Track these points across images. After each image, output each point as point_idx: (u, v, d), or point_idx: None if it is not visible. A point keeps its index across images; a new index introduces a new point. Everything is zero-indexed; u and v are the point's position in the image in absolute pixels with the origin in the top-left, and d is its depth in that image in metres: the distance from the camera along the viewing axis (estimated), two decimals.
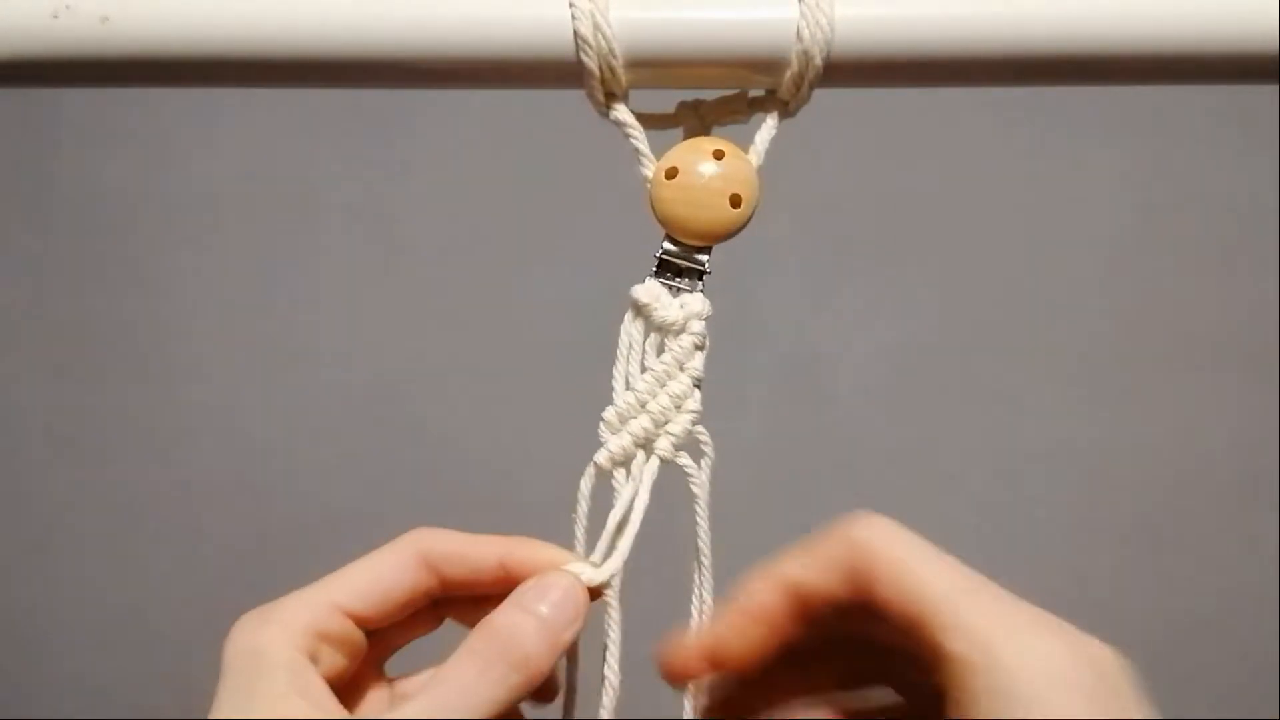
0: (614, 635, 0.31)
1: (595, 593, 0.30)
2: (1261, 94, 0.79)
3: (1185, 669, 0.91)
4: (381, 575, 0.30)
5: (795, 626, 0.30)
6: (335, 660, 0.29)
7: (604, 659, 0.32)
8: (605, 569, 0.30)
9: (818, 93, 0.30)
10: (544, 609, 0.28)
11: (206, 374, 0.92)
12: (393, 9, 0.29)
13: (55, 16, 0.29)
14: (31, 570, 0.95)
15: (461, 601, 0.32)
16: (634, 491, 0.31)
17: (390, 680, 0.33)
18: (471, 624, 0.30)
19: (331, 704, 0.28)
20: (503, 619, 0.28)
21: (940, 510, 0.91)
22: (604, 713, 0.31)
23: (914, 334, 0.90)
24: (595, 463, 0.31)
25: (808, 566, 0.29)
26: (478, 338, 0.91)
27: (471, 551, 0.31)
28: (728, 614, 0.31)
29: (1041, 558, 0.91)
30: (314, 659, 0.28)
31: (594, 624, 0.31)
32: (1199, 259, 0.88)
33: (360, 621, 0.30)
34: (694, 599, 0.32)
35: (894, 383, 0.90)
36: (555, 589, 0.29)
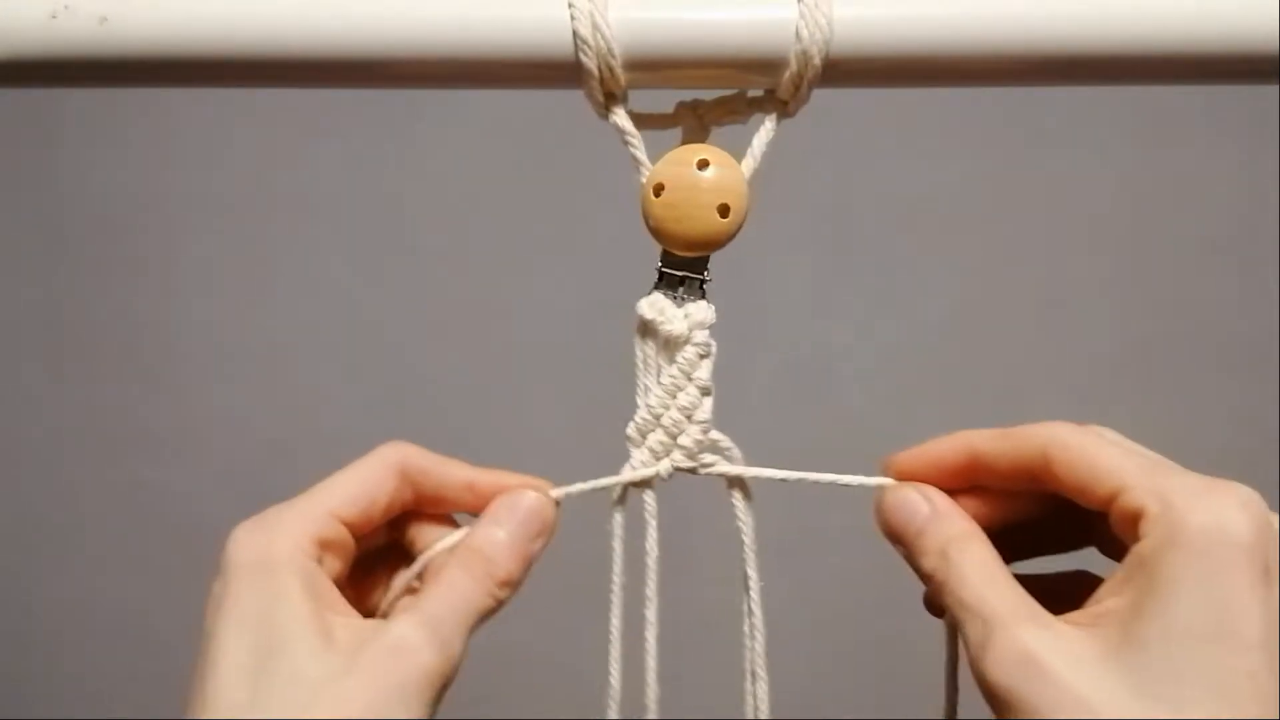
0: (650, 638, 0.33)
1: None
2: (1261, 94, 0.79)
3: None
4: (367, 483, 0.32)
5: (962, 481, 0.31)
6: (334, 566, 0.31)
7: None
8: (569, 489, 0.32)
9: (819, 93, 0.30)
10: (512, 524, 0.31)
11: (208, 374, 0.92)
12: (392, 9, 0.29)
13: (53, 17, 0.29)
14: (31, 570, 0.95)
15: (421, 518, 0.34)
16: (654, 512, 0.33)
17: (357, 587, 0.34)
18: (421, 544, 0.32)
19: (346, 608, 0.30)
20: (480, 536, 0.31)
21: None
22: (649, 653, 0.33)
23: (916, 334, 0.90)
24: (627, 482, 0.32)
25: (993, 440, 0.31)
26: (480, 339, 0.91)
27: (442, 469, 0.33)
28: (905, 455, 0.32)
29: (1042, 557, 0.91)
30: (319, 564, 0.30)
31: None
32: (1199, 259, 0.88)
33: (350, 528, 0.31)
34: (745, 616, 0.33)
35: (897, 383, 0.90)
36: (521, 505, 0.32)
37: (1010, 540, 0.31)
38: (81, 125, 0.90)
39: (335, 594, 0.30)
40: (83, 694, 0.96)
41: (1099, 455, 0.28)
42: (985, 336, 0.90)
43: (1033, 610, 0.27)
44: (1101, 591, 0.27)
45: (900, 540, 0.31)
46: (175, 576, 0.95)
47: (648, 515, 0.33)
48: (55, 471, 0.94)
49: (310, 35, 0.29)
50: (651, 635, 0.33)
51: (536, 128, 0.84)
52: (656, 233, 0.31)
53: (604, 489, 0.33)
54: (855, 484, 0.33)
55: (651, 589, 0.33)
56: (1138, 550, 0.26)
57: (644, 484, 0.33)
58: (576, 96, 0.30)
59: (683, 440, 0.32)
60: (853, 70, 0.29)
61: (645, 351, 0.32)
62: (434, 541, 0.32)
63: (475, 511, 0.32)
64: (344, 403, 0.92)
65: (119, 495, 0.94)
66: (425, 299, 0.91)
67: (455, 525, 0.33)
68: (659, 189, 0.30)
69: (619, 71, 0.29)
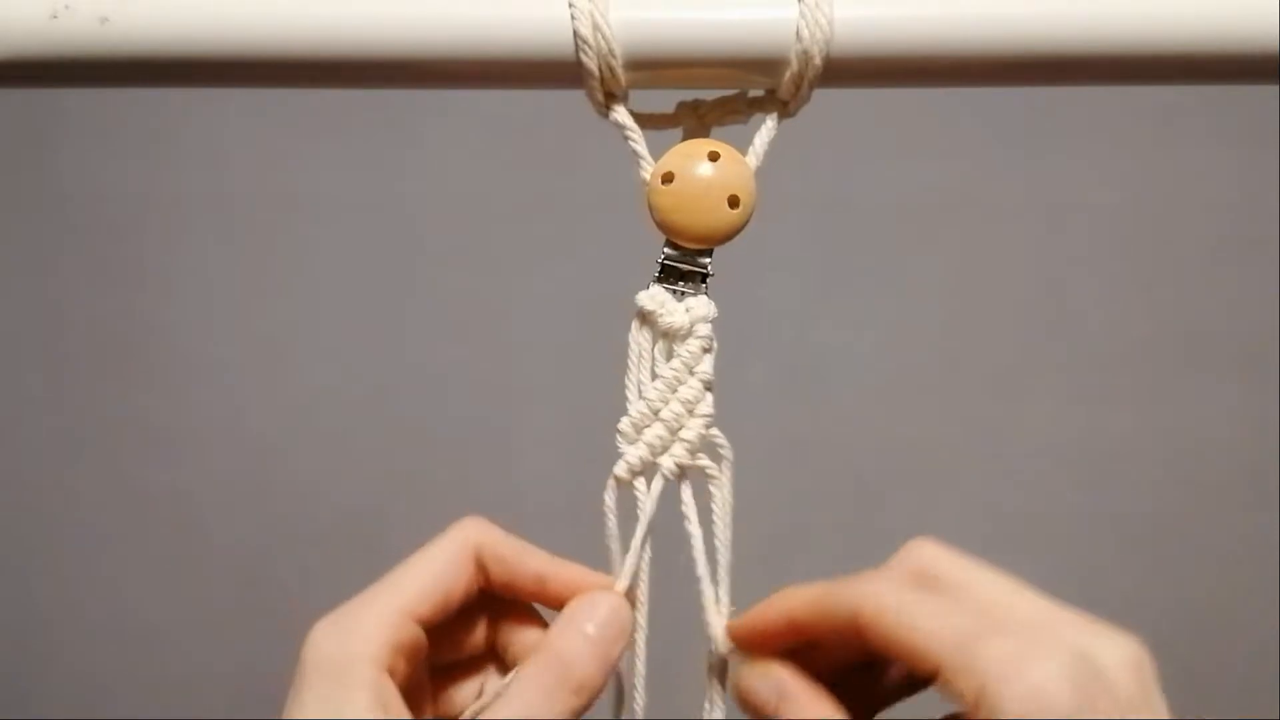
0: (639, 642, 0.32)
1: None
2: (1261, 94, 0.79)
3: (1185, 668, 0.91)
4: (444, 575, 0.30)
5: (799, 644, 0.30)
6: (407, 671, 0.30)
7: (632, 666, 0.32)
8: (621, 583, 0.31)
9: (819, 92, 0.30)
10: (592, 629, 0.30)
11: (208, 374, 0.92)
12: (392, 9, 0.29)
13: (54, 17, 0.29)
14: (31, 570, 0.95)
15: (504, 605, 0.33)
16: (653, 505, 0.31)
17: (434, 683, 0.33)
18: (504, 639, 0.32)
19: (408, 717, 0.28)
20: (560, 642, 0.29)
21: (942, 509, 0.91)
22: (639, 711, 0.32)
23: (915, 334, 0.90)
24: (615, 475, 0.31)
25: (811, 609, 0.29)
26: (479, 338, 0.91)
27: (517, 559, 0.31)
28: (738, 626, 0.31)
29: (1042, 556, 0.91)
30: (393, 673, 0.29)
31: None
32: (1199, 259, 0.88)
33: (425, 622, 0.30)
34: (710, 602, 0.32)
35: (895, 382, 0.90)
36: (602, 607, 0.30)
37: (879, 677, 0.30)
38: (81, 125, 0.90)
39: (400, 706, 0.28)
40: (82, 694, 0.96)
41: (911, 630, 0.26)
42: (984, 336, 0.90)
43: None
44: None
45: None
46: (174, 576, 0.95)
47: (640, 513, 0.32)
48: (55, 471, 0.94)
49: (310, 36, 0.29)
50: (641, 639, 0.32)
51: (537, 127, 0.84)
52: (663, 224, 0.30)
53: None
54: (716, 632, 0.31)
55: (644, 592, 0.32)
56: None
57: (633, 477, 0.31)
58: (578, 96, 0.30)
59: (685, 434, 0.31)
60: (853, 70, 0.29)
61: (640, 344, 0.31)
62: (522, 642, 0.32)
63: (544, 604, 0.32)
64: (344, 403, 0.92)
65: (119, 495, 0.93)
66: (425, 299, 0.91)
67: (540, 619, 0.33)
68: (668, 178, 0.30)
69: (619, 71, 0.29)
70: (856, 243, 0.89)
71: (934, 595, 0.27)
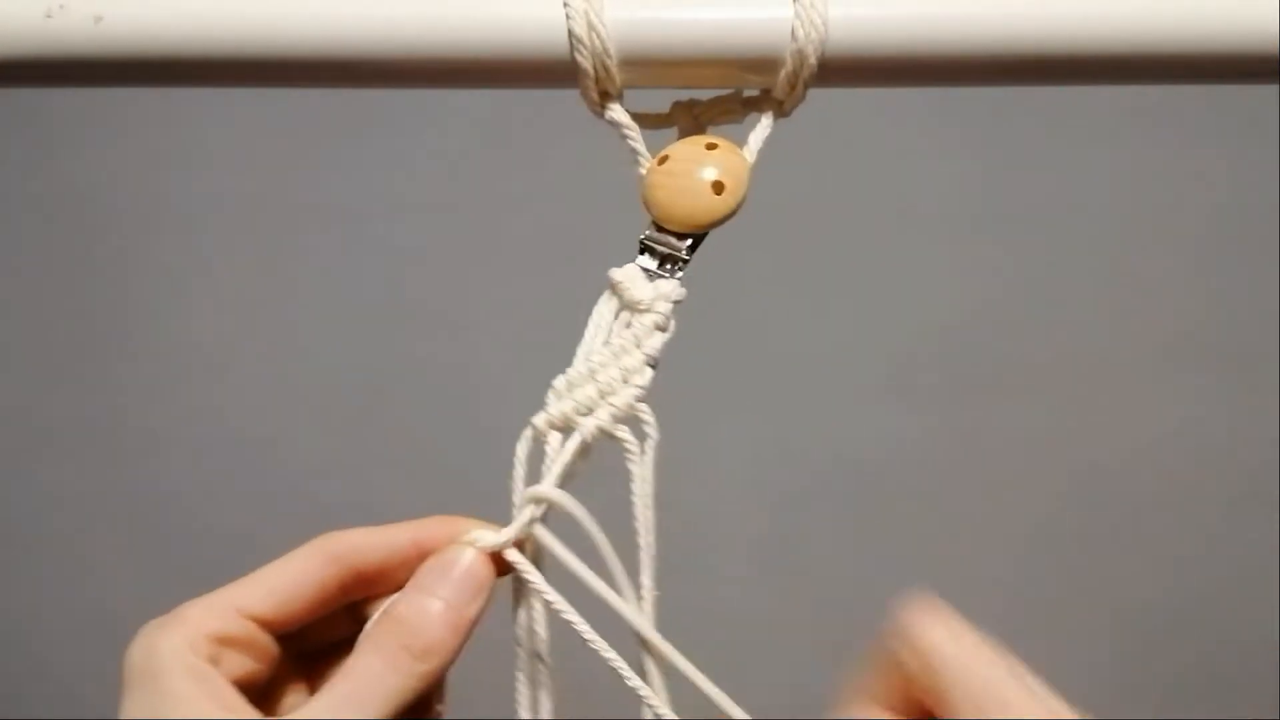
0: (537, 608, 0.30)
1: (503, 565, 0.30)
2: (1261, 94, 0.79)
3: (1185, 668, 0.91)
4: (285, 578, 0.30)
5: None
6: (243, 664, 0.29)
7: (524, 636, 0.30)
8: (507, 531, 0.29)
9: (816, 92, 0.30)
10: (444, 590, 0.28)
11: (205, 374, 0.92)
12: (386, 9, 0.29)
13: (48, 16, 0.29)
14: (31, 570, 0.95)
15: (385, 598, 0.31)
16: (566, 459, 0.30)
17: (315, 682, 0.32)
18: None
19: (238, 703, 0.27)
20: (404, 605, 0.28)
21: (941, 510, 0.91)
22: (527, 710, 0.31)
23: (913, 334, 0.90)
24: (532, 424, 0.30)
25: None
26: (476, 338, 0.91)
27: (381, 540, 0.30)
28: None
29: (1041, 556, 0.91)
30: (214, 662, 0.28)
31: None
32: (1198, 259, 0.88)
33: (266, 625, 0.29)
34: (639, 584, 0.31)
35: (893, 383, 0.90)
36: (455, 566, 0.29)
37: None
38: (81, 125, 0.90)
39: (229, 692, 0.28)
40: (80, 694, 0.96)
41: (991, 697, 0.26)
42: (981, 336, 0.89)
43: None
44: None
45: None
46: (173, 577, 0.95)
47: (546, 470, 0.30)
48: (49, 471, 0.94)
49: (303, 35, 0.29)
50: (539, 604, 0.30)
51: (533, 128, 0.84)
52: (647, 201, 0.30)
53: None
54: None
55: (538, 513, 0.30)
56: None
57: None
58: (573, 96, 0.30)
59: (614, 399, 0.30)
60: (848, 70, 0.29)
61: (603, 314, 0.31)
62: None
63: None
64: (341, 403, 0.92)
65: (114, 495, 0.94)
66: (425, 299, 0.91)
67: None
68: (663, 159, 0.30)
69: (614, 71, 0.29)
70: (852, 242, 0.89)
71: (1016, 681, 0.27)
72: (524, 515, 0.30)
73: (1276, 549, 0.90)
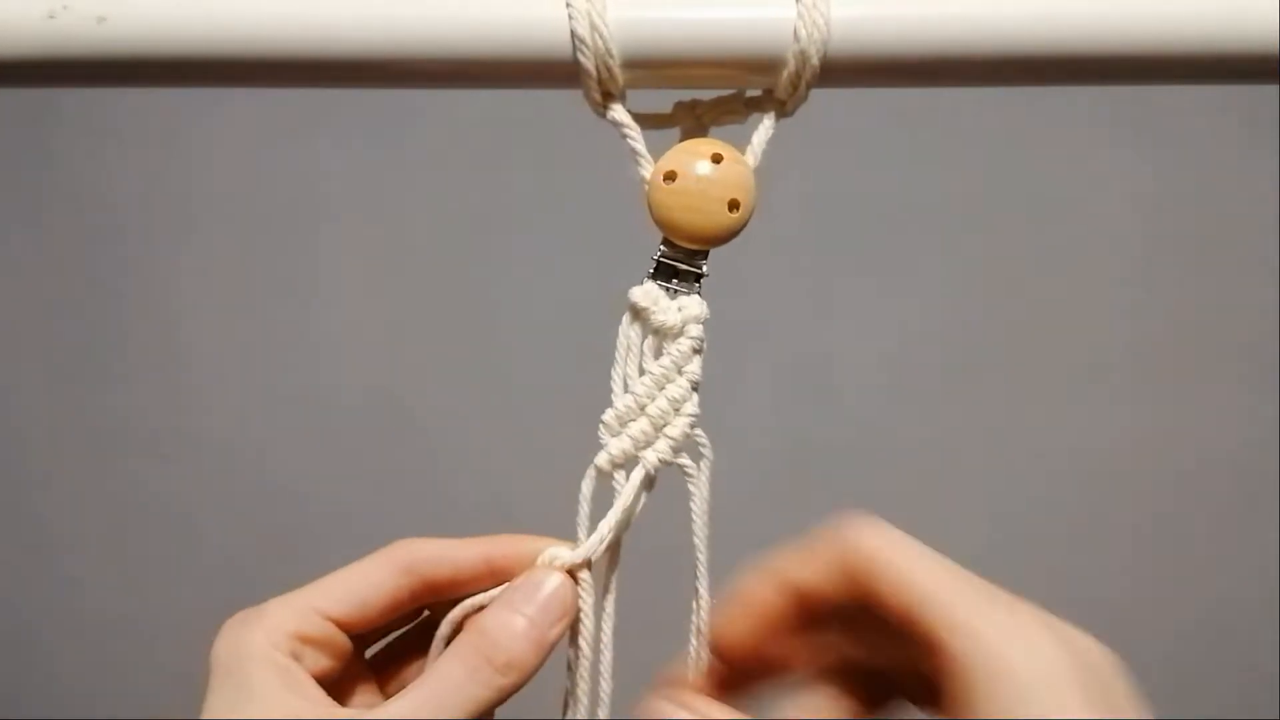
0: (588, 616, 0.31)
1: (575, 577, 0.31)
2: (1261, 94, 0.79)
3: (1185, 669, 0.91)
4: (361, 583, 0.31)
5: (791, 621, 0.30)
6: (319, 660, 0.30)
7: (577, 644, 0.31)
8: (581, 550, 0.31)
9: (819, 92, 0.30)
10: (530, 609, 0.29)
11: (206, 374, 0.92)
12: (389, 9, 0.29)
13: (51, 17, 0.29)
14: (31, 570, 0.95)
15: (452, 604, 0.32)
16: (632, 494, 0.31)
17: (379, 679, 0.34)
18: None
19: (321, 697, 0.29)
20: (491, 620, 0.29)
21: (942, 510, 0.91)
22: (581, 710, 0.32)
23: (916, 335, 0.90)
24: (596, 465, 0.31)
25: (806, 565, 0.30)
26: (476, 339, 0.91)
27: (454, 554, 0.31)
28: (724, 607, 0.31)
29: (1042, 557, 0.91)
30: (296, 659, 0.29)
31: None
32: (1200, 259, 0.88)
33: (342, 626, 0.31)
34: (694, 603, 0.32)
35: (896, 383, 0.90)
36: (542, 587, 0.30)
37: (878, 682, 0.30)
38: (81, 125, 0.90)
39: (313, 687, 0.29)
40: (81, 694, 0.96)
41: (919, 587, 0.27)
42: (984, 337, 0.89)
43: None
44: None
45: None
46: (173, 577, 0.95)
47: (630, 495, 0.31)
48: (52, 471, 0.94)
49: (307, 35, 0.29)
50: (608, 627, 0.32)
51: (536, 128, 0.84)
52: (662, 222, 0.30)
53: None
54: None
55: (614, 580, 0.32)
56: (960, 702, 0.25)
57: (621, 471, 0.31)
58: (577, 96, 0.30)
59: (670, 431, 0.31)
60: (851, 70, 0.29)
61: (630, 339, 0.31)
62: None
63: (498, 583, 0.31)
64: (342, 403, 0.92)
65: (115, 495, 0.94)
66: (424, 299, 0.91)
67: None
68: (670, 176, 0.30)
69: (617, 71, 0.29)
70: (855, 243, 0.89)
71: (943, 564, 0.28)
72: (600, 535, 0.31)
73: (1276, 549, 0.90)
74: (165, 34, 0.30)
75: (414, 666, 0.33)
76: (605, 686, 0.32)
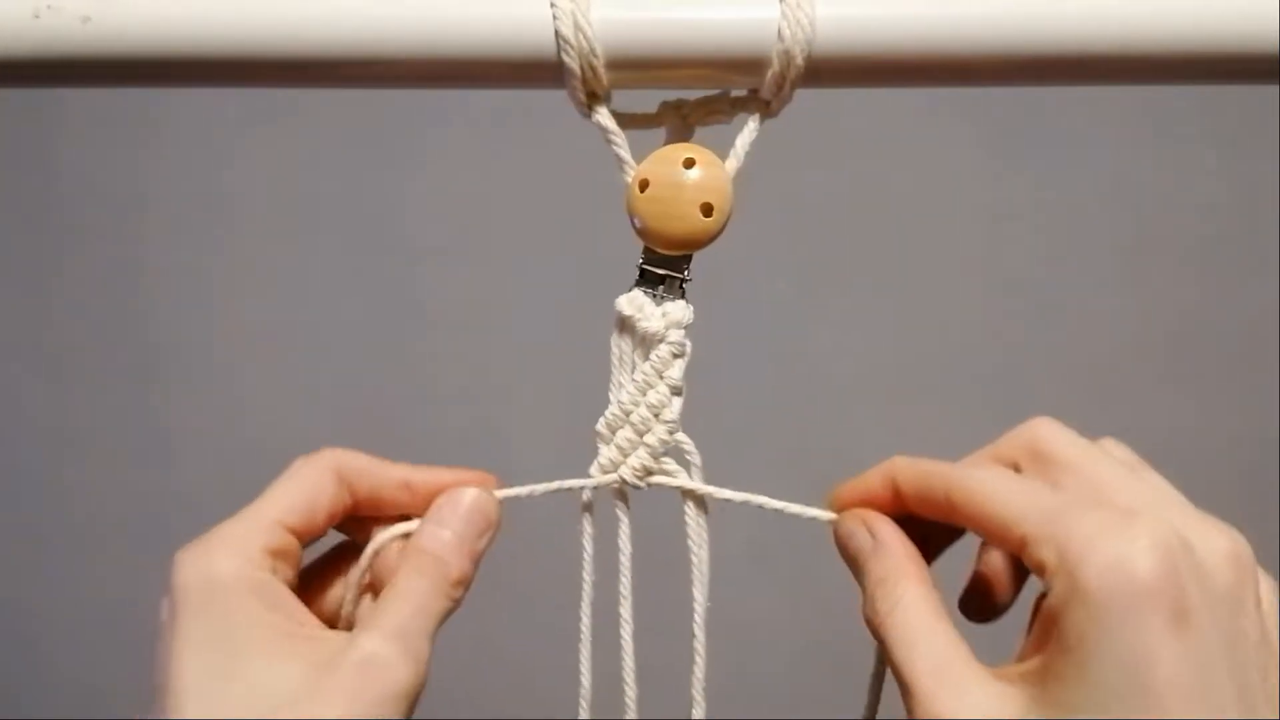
0: (625, 636, 0.33)
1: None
2: (1261, 94, 0.79)
3: None
4: (308, 490, 0.31)
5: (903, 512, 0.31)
6: (286, 574, 0.30)
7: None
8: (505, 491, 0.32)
9: (807, 93, 0.30)
10: (456, 523, 0.31)
11: (206, 374, 0.92)
12: (374, 9, 0.29)
13: (36, 16, 0.29)
14: (31, 570, 0.96)
15: (361, 521, 0.33)
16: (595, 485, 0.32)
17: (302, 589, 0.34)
18: (362, 540, 0.32)
19: (308, 618, 0.29)
20: (427, 537, 0.30)
21: None
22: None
23: (910, 336, 0.89)
24: (590, 475, 0.32)
25: (912, 478, 0.31)
26: (476, 339, 0.91)
27: (378, 470, 0.32)
28: (843, 489, 0.33)
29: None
30: (273, 574, 0.29)
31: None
32: (1199, 259, 0.87)
33: (297, 535, 0.31)
34: (695, 616, 0.33)
35: (890, 386, 0.90)
36: (463, 503, 0.31)
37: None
38: (81, 125, 0.90)
39: (296, 604, 0.29)
40: (81, 694, 0.96)
41: (998, 501, 0.27)
42: (980, 338, 0.89)
43: (955, 673, 0.25)
44: (1025, 646, 0.26)
45: (853, 570, 0.31)
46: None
47: (619, 513, 0.33)
48: (55, 471, 0.94)
49: (293, 35, 0.29)
50: (627, 633, 0.33)
51: (532, 127, 0.84)
52: (639, 230, 0.31)
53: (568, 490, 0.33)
54: (803, 514, 0.33)
55: (626, 586, 0.33)
56: (1045, 606, 0.25)
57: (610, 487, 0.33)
58: (563, 96, 0.30)
59: (649, 439, 0.32)
60: (836, 70, 0.29)
61: (621, 348, 0.32)
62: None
63: (414, 513, 0.32)
64: (342, 402, 0.92)
65: (118, 495, 0.94)
66: (423, 299, 0.91)
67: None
68: (644, 185, 0.30)
69: (601, 71, 0.29)
70: (845, 244, 0.89)
71: (1032, 476, 0.28)
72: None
73: (1277, 549, 0.89)
74: (151, 34, 0.30)
75: (333, 587, 0.33)
76: (630, 693, 0.33)
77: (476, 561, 0.31)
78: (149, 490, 0.93)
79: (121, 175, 0.90)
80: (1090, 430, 0.98)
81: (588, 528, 0.33)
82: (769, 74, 0.29)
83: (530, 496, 0.32)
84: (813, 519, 0.32)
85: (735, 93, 0.30)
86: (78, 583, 0.95)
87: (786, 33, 0.28)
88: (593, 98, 0.30)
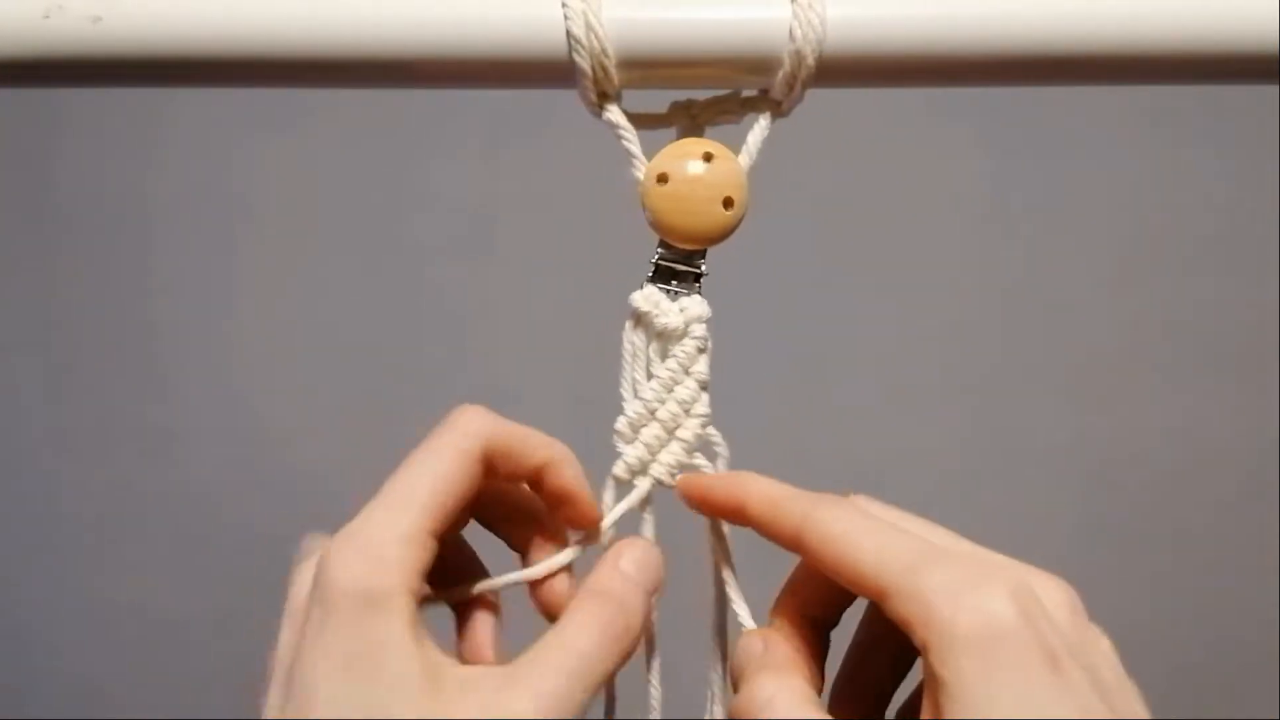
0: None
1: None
2: (1261, 94, 0.79)
3: (1185, 668, 0.91)
4: (455, 482, 0.28)
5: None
6: (422, 588, 0.27)
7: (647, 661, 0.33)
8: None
9: (815, 92, 0.30)
10: (640, 575, 0.29)
11: (208, 373, 0.92)
12: (386, 9, 0.29)
13: (47, 17, 0.29)
14: (31, 570, 0.95)
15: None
16: (636, 502, 0.31)
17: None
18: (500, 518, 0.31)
19: (442, 656, 0.26)
20: (614, 586, 0.28)
21: (941, 509, 0.91)
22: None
23: (914, 334, 0.89)
24: (614, 475, 0.31)
25: (763, 506, 0.29)
26: (478, 338, 0.91)
27: (524, 448, 0.30)
28: (696, 480, 0.31)
29: (1041, 557, 0.90)
30: (416, 598, 0.26)
31: None
32: (1199, 259, 0.88)
33: (438, 537, 0.28)
34: (714, 614, 0.33)
35: (894, 383, 0.90)
36: (640, 547, 0.29)
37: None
38: (81, 125, 0.90)
39: (428, 639, 0.26)
40: (82, 694, 0.96)
41: (855, 550, 0.26)
42: (983, 337, 0.89)
43: None
44: (919, 702, 0.26)
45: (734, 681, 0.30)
46: (174, 576, 0.95)
47: (646, 513, 0.32)
48: (55, 471, 0.94)
49: (303, 35, 0.29)
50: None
51: (536, 126, 0.84)
52: (658, 224, 0.30)
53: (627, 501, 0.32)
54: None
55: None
56: (924, 663, 0.25)
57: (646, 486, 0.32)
58: (573, 96, 0.30)
59: (681, 434, 0.31)
60: (846, 70, 0.29)
61: (635, 344, 0.31)
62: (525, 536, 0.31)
63: (526, 505, 0.31)
64: (344, 402, 0.92)
65: (119, 494, 0.94)
66: (426, 298, 0.91)
67: (529, 495, 0.31)
68: (663, 178, 0.30)
69: (613, 71, 0.29)
70: (852, 243, 0.89)
71: (879, 522, 0.28)
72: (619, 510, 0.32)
73: (1277, 549, 0.90)
74: (160, 34, 0.30)
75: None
76: (655, 693, 0.33)
77: (649, 617, 0.28)
78: (149, 490, 0.93)
79: (125, 174, 0.90)
80: (1091, 430, 0.98)
81: (608, 524, 0.32)
82: (780, 74, 0.29)
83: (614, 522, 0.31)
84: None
85: (745, 93, 0.31)
86: (78, 583, 0.95)
87: (798, 33, 0.28)
88: (604, 98, 0.30)
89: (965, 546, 0.28)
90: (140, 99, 0.88)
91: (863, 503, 0.30)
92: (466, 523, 0.31)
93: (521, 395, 0.91)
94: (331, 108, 0.86)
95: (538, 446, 0.30)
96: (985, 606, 0.24)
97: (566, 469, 0.30)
